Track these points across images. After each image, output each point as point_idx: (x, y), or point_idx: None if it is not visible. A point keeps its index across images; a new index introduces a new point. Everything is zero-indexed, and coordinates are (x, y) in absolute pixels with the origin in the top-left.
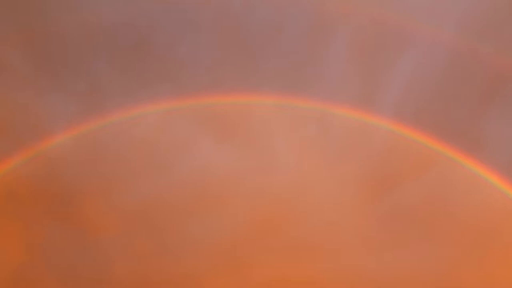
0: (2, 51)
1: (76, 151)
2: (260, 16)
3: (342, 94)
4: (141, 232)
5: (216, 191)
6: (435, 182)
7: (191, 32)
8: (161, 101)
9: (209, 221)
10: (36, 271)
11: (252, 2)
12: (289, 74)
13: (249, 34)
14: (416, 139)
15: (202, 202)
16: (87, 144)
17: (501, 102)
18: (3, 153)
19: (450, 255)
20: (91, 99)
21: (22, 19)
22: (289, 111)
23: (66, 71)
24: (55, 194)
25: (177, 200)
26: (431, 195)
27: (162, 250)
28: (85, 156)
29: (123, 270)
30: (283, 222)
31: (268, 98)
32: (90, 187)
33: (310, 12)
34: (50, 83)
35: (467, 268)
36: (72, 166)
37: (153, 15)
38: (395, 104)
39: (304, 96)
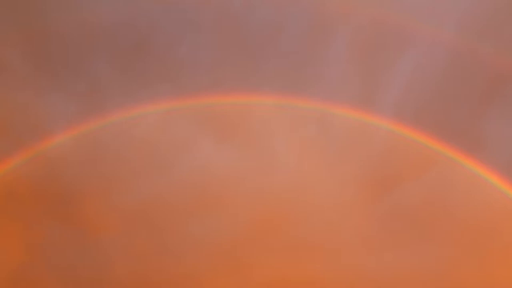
0: (2, 51)
1: (76, 151)
2: (260, 16)
3: (342, 94)
4: (141, 232)
5: (216, 191)
6: (435, 182)
7: (191, 32)
8: (161, 101)
9: (209, 221)
10: (36, 271)
11: (252, 2)
12: (289, 74)
13: (249, 34)
14: (416, 139)
15: (202, 202)
16: (87, 144)
17: (501, 102)
18: (3, 153)
19: (450, 255)
20: (91, 99)
21: (22, 19)
22: (289, 111)
23: (66, 71)
24: (55, 194)
25: (177, 200)
26: (431, 195)
27: (162, 250)
28: (85, 156)
29: (123, 270)
30: (283, 222)
31: (268, 98)
32: (90, 187)
33: (310, 12)
34: (50, 83)
35: (467, 268)
36: (72, 166)
37: (153, 15)
38: (395, 104)
39: (304, 96)
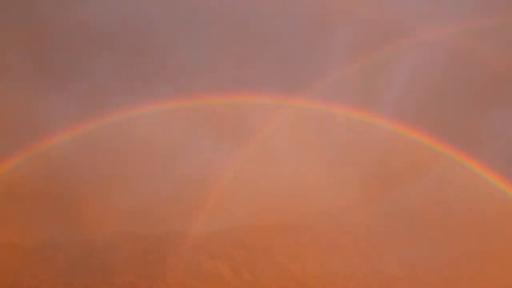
0: (2, 51)
1: (76, 151)
2: (260, 16)
3: (342, 94)
4: (141, 232)
5: (216, 191)
6: (435, 182)
7: (191, 32)
8: (161, 101)
9: (209, 221)
10: (36, 271)
11: (252, 2)
12: (289, 74)
13: (249, 34)
14: (416, 139)
15: (202, 202)
16: (87, 144)
17: (501, 102)
18: (3, 153)
19: (450, 254)
20: (91, 99)
21: (22, 19)
22: (289, 111)
23: (66, 71)
24: (55, 194)
25: (177, 200)
26: (431, 195)
27: (162, 250)
28: (85, 156)
29: (123, 270)
30: (283, 222)
31: (268, 98)
32: (90, 187)
33: (310, 12)
34: (50, 83)
35: (467, 267)
36: (72, 166)
37: (153, 15)
38: (395, 104)
39: (304, 96)
